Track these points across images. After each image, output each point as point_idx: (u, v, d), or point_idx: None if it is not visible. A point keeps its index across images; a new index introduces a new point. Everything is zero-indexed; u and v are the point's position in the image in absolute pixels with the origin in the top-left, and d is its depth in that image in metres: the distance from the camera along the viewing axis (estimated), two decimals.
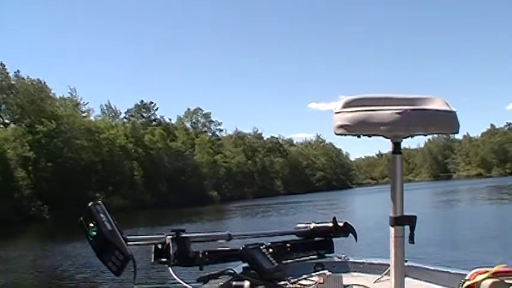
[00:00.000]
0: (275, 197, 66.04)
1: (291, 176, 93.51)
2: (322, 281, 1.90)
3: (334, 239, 2.36)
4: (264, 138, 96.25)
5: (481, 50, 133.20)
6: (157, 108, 75.73)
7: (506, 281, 1.54)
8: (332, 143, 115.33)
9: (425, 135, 1.61)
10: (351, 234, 2.35)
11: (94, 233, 1.52)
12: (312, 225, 2.35)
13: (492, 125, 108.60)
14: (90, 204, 1.57)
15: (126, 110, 72.67)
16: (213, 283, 1.82)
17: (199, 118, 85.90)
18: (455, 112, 1.55)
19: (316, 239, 2.36)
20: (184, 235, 1.79)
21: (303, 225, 2.39)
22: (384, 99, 1.55)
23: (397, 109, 1.49)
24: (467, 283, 1.59)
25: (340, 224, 2.32)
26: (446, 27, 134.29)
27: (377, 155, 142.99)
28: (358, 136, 1.56)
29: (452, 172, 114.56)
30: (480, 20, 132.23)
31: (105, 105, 68.23)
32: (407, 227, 1.58)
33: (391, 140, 1.59)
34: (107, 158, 55.20)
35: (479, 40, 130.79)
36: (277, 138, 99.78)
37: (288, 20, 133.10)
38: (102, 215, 1.55)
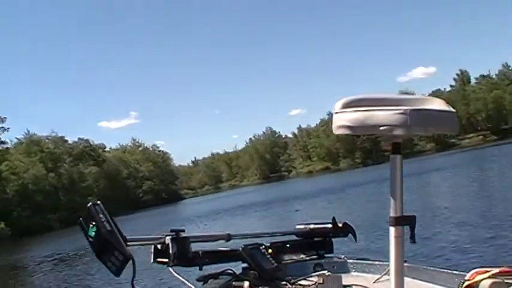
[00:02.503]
0: None
1: (110, 190, 71.38)
2: (321, 281, 1.91)
3: (333, 239, 2.37)
4: (70, 142, 72.51)
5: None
6: None
7: (506, 281, 1.56)
8: (156, 144, 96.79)
9: (425, 136, 1.43)
10: (350, 235, 2.36)
11: (93, 233, 1.54)
12: (312, 226, 2.37)
13: (330, 113, 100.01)
14: (89, 204, 1.58)
15: None
16: (212, 283, 1.85)
17: None
18: (455, 112, 1.58)
19: (315, 239, 2.37)
20: (183, 235, 1.81)
21: (303, 225, 2.40)
22: (383, 99, 1.56)
23: (396, 109, 1.50)
24: (466, 283, 1.61)
25: (340, 225, 2.33)
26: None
27: (193, 162, 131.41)
28: (358, 136, 1.57)
29: (286, 171, 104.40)
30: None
31: None
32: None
33: (391, 141, 1.60)
34: None
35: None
36: (87, 140, 76.45)
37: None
38: (101, 216, 1.56)
